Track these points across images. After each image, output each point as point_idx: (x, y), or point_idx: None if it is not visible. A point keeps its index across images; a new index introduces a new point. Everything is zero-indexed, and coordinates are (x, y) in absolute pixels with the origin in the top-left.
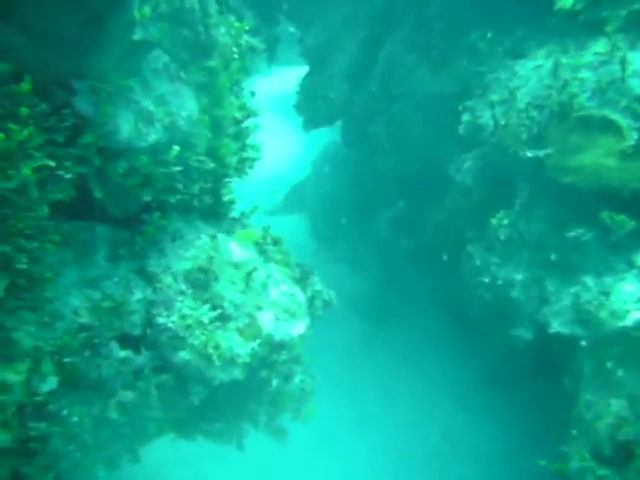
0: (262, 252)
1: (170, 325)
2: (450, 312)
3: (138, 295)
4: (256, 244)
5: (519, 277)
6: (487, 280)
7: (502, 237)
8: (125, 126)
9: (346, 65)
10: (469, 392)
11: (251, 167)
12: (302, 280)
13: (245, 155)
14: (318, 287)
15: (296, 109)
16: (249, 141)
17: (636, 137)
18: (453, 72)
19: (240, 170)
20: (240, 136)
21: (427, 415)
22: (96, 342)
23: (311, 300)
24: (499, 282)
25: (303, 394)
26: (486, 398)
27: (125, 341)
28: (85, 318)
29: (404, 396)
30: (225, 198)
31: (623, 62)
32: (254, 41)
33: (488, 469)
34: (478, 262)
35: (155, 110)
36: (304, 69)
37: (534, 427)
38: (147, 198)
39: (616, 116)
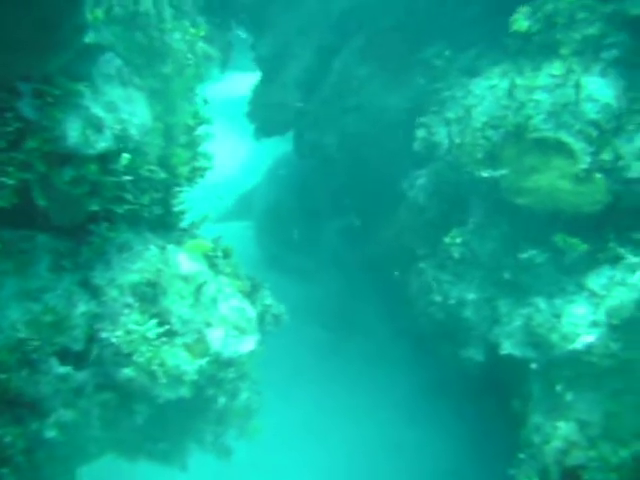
0: (212, 265)
1: (114, 340)
2: (402, 326)
3: (82, 308)
4: (206, 256)
5: (471, 296)
6: (439, 299)
7: (455, 255)
8: (72, 132)
9: (300, 74)
10: (419, 406)
11: (202, 176)
12: (252, 294)
13: (197, 164)
14: (268, 301)
15: (248, 117)
16: (201, 150)
17: (589, 161)
18: (408, 86)
19: (191, 180)
20: (192, 145)
21: (377, 427)
22: (35, 357)
23: (261, 315)
24: (451, 301)
25: (249, 411)
26: (436, 414)
27: (66, 357)
28: (23, 332)
29: (354, 408)
30: (175, 208)
31: (577, 86)
32: (209, 48)
33: None
34: (430, 280)
35: (105, 117)
36: (257, 75)
37: (483, 447)
38: (94, 208)
39: (570, 139)
